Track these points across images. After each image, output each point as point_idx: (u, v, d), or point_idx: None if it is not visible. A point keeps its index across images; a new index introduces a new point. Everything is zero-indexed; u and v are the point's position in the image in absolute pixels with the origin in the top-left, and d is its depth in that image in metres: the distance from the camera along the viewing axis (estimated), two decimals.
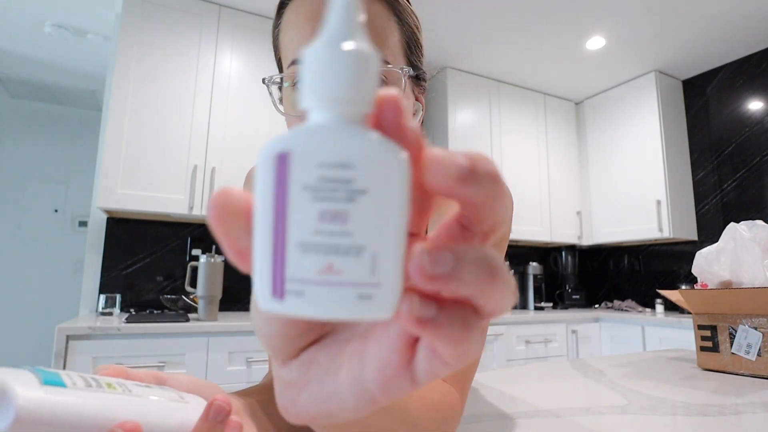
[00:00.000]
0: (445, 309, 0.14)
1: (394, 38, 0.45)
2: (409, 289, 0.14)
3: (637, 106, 3.09)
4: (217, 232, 0.15)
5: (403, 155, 0.14)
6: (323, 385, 0.18)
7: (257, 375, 1.86)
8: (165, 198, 2.08)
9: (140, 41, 2.13)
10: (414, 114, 0.51)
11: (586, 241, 3.31)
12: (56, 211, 3.74)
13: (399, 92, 0.15)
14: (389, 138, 0.14)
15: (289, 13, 0.46)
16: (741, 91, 2.85)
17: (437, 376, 0.16)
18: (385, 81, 0.44)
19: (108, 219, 2.27)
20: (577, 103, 3.54)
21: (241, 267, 0.16)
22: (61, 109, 3.85)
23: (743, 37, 2.67)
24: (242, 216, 0.14)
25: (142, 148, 2.07)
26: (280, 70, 0.50)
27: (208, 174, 2.18)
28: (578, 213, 3.34)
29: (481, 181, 0.14)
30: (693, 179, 3.04)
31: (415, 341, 0.16)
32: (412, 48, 0.48)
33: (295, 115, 0.45)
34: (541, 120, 3.32)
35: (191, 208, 2.12)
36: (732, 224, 0.91)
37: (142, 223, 2.33)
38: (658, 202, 2.87)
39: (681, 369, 0.92)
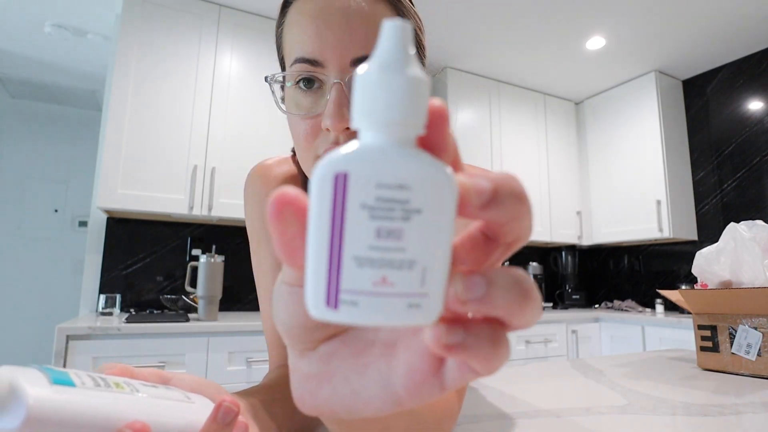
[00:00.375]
0: (473, 330, 0.15)
1: None
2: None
3: (637, 106, 3.09)
4: (275, 229, 0.15)
5: (453, 177, 0.15)
6: (348, 382, 0.18)
7: (257, 375, 1.86)
8: (165, 198, 2.08)
9: (140, 41, 2.13)
10: None
11: (586, 241, 3.31)
12: (56, 211, 3.74)
13: (445, 104, 0.15)
14: (434, 151, 0.15)
15: (293, 12, 0.46)
16: (741, 91, 2.85)
17: (466, 383, 0.16)
18: None
19: (108, 219, 2.27)
20: (577, 103, 3.54)
21: (289, 263, 0.16)
22: (61, 109, 3.85)
23: (743, 37, 2.67)
24: (300, 219, 0.15)
25: (142, 148, 2.07)
26: (283, 68, 0.50)
27: (208, 174, 2.18)
28: (578, 213, 3.34)
29: (503, 204, 0.15)
30: (693, 179, 3.04)
31: None
32: (415, 49, 0.49)
33: (296, 114, 0.45)
34: (541, 120, 3.32)
35: (191, 208, 2.12)
36: (732, 224, 0.91)
37: (142, 223, 2.33)
38: (658, 202, 2.87)
39: (681, 369, 0.92)
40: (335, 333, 0.19)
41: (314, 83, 0.44)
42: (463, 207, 0.15)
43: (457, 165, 0.16)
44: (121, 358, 1.66)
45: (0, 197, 3.58)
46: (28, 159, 3.70)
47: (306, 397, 0.19)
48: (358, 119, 0.15)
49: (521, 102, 3.26)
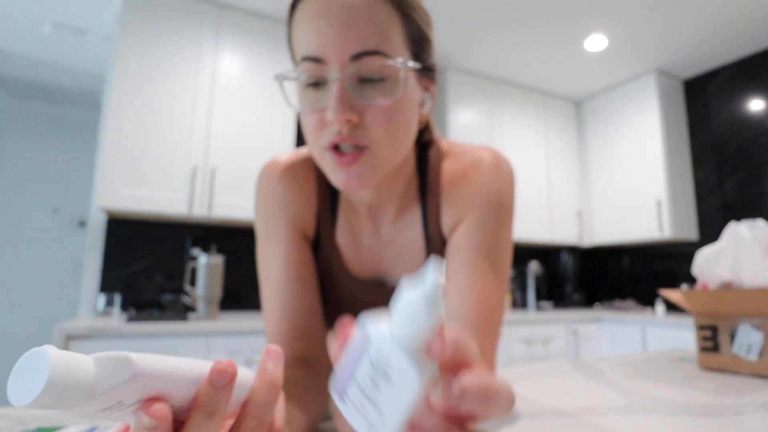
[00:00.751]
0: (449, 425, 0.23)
1: (397, 33, 0.47)
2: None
3: (637, 105, 3.09)
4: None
5: (418, 384, 0.22)
6: None
7: None
8: (165, 198, 2.08)
9: (140, 41, 2.13)
10: (422, 105, 0.52)
11: (587, 241, 3.31)
12: (56, 211, 3.74)
13: (443, 344, 0.22)
14: (432, 358, 0.23)
15: (299, 12, 0.48)
16: (742, 90, 2.85)
17: None
18: (386, 74, 0.46)
19: (108, 219, 2.27)
20: (577, 103, 3.53)
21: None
22: (61, 109, 3.85)
23: (744, 37, 2.67)
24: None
25: (142, 149, 2.07)
26: (294, 61, 0.52)
27: (208, 174, 2.18)
28: (578, 213, 3.33)
29: (465, 403, 0.22)
30: (693, 179, 3.04)
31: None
32: (418, 42, 0.50)
33: (304, 109, 0.48)
34: (541, 120, 3.32)
35: (191, 208, 2.12)
36: (732, 224, 0.91)
37: (142, 223, 2.33)
38: (659, 202, 2.87)
39: (681, 369, 0.92)
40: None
41: (319, 79, 0.46)
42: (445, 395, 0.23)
43: (463, 366, 0.23)
44: None
45: (0, 197, 3.58)
46: (28, 159, 3.70)
47: None
48: (394, 312, 0.23)
49: (521, 102, 3.25)
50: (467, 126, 2.99)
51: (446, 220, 0.57)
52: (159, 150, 2.10)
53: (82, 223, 3.73)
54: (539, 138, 3.28)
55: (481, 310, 0.50)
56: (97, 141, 3.37)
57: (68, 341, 1.59)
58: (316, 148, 0.48)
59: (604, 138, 3.30)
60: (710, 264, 0.91)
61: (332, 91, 0.44)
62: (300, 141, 2.72)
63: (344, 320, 0.24)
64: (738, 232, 0.89)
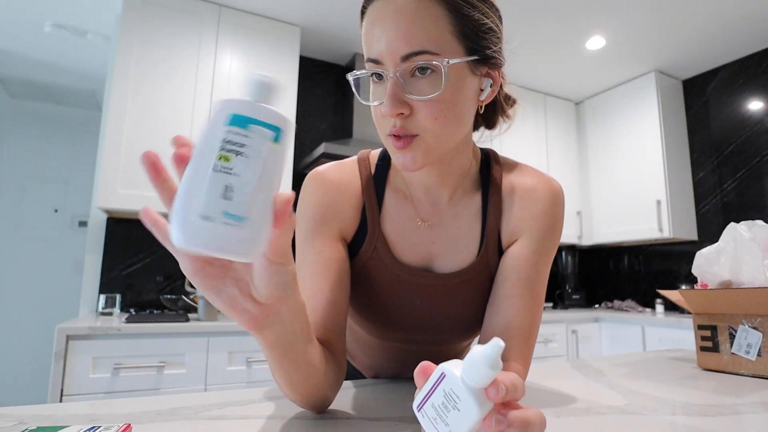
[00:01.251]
0: None
1: (446, 30, 0.51)
2: None
3: (637, 106, 3.09)
4: None
5: (477, 416, 0.30)
6: None
7: (257, 375, 1.86)
8: None
9: (140, 41, 2.13)
10: (482, 90, 0.58)
11: (587, 241, 3.31)
12: (56, 211, 3.74)
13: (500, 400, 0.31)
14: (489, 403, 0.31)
15: (366, 18, 0.54)
16: (741, 91, 2.85)
17: None
18: (434, 70, 0.51)
19: (108, 219, 2.27)
20: (577, 103, 3.54)
21: None
22: (61, 109, 3.85)
23: (743, 37, 2.67)
24: None
25: (142, 148, 2.07)
26: None
27: None
28: (578, 213, 3.34)
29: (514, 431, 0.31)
30: (693, 179, 3.04)
31: None
32: (474, 34, 0.53)
33: (369, 103, 0.55)
34: (541, 120, 3.32)
35: None
36: (732, 224, 0.91)
37: (142, 223, 2.32)
38: (658, 202, 2.87)
39: (681, 369, 0.92)
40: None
41: (381, 78, 0.53)
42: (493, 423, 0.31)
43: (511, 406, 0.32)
44: (121, 358, 1.66)
45: (0, 197, 3.58)
46: (28, 159, 3.70)
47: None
48: (465, 366, 0.31)
49: (521, 102, 3.24)
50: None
51: (506, 225, 0.64)
52: (159, 150, 2.08)
53: (83, 223, 3.73)
54: (539, 138, 3.28)
55: (529, 325, 0.60)
56: (97, 141, 3.37)
57: (68, 341, 1.59)
58: (381, 135, 0.56)
59: (603, 138, 3.30)
60: (710, 264, 0.91)
61: (387, 89, 0.51)
62: (298, 140, 2.72)
63: (425, 364, 0.34)
64: (737, 232, 0.89)
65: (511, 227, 0.63)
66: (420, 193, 0.64)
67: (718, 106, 2.97)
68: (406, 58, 0.50)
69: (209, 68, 2.25)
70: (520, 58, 2.92)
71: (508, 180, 0.66)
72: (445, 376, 0.31)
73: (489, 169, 0.67)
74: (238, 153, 0.27)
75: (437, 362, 0.33)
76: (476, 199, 0.65)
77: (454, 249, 0.64)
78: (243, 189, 0.28)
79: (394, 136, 0.53)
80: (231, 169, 0.27)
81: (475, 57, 0.53)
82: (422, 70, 0.50)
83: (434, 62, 0.50)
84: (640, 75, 3.09)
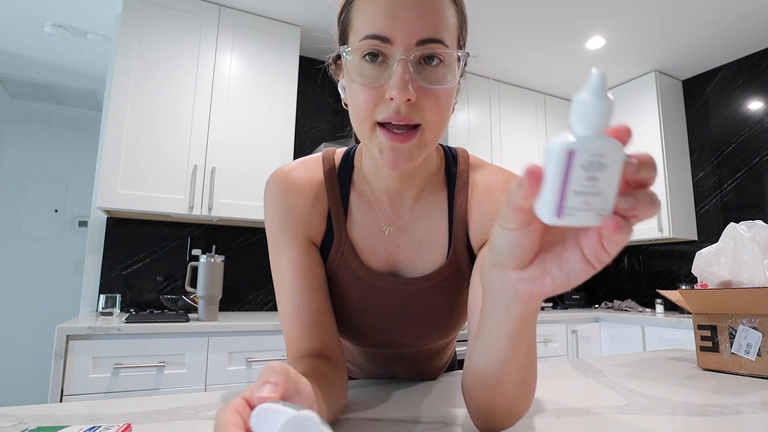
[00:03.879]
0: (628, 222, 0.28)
1: (452, 22, 0.51)
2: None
3: (637, 106, 3.09)
4: (530, 181, 0.28)
5: (623, 149, 0.27)
6: (561, 270, 0.31)
7: (257, 375, 1.86)
8: (165, 198, 2.08)
9: (140, 41, 2.13)
10: (457, 93, 0.56)
11: None
12: (56, 211, 3.74)
13: (627, 125, 0.27)
14: (615, 136, 0.27)
15: None
16: (741, 91, 2.85)
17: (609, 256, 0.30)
18: (442, 61, 0.49)
19: (108, 219, 2.27)
20: None
21: (530, 195, 0.28)
22: (61, 109, 3.85)
23: (743, 37, 2.67)
24: (539, 178, 0.28)
25: (142, 148, 2.07)
26: (342, 42, 0.54)
27: (208, 174, 2.18)
28: None
29: (644, 170, 0.27)
30: (693, 179, 3.04)
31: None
32: (463, 34, 0.54)
33: (360, 83, 0.49)
34: (541, 120, 3.32)
35: (191, 208, 2.12)
36: (732, 224, 0.91)
37: (142, 223, 2.33)
38: None
39: (681, 369, 0.92)
40: (537, 254, 0.32)
41: (379, 57, 0.49)
42: (625, 168, 0.27)
43: (625, 141, 0.28)
44: (121, 358, 1.66)
45: (0, 197, 3.58)
46: (28, 159, 3.70)
47: (534, 290, 0.32)
48: (575, 122, 0.27)
49: (521, 102, 3.26)
50: (467, 126, 2.99)
51: (474, 226, 0.61)
52: (159, 150, 2.10)
53: (83, 223, 3.73)
54: (539, 138, 3.28)
55: None
56: (97, 141, 3.37)
57: (68, 341, 1.59)
58: (367, 124, 0.50)
59: None
60: (709, 264, 0.92)
61: (396, 70, 0.47)
62: (298, 140, 2.72)
63: (529, 165, 0.28)
64: (737, 232, 0.89)
65: (480, 228, 0.60)
66: (383, 197, 0.62)
67: (717, 106, 2.97)
68: (422, 43, 0.47)
69: (209, 68, 2.25)
70: (520, 58, 2.93)
71: (474, 180, 0.63)
72: (574, 151, 0.26)
73: (455, 167, 0.64)
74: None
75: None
76: (442, 201, 0.62)
77: (420, 253, 0.62)
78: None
79: (388, 129, 0.49)
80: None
81: (466, 56, 0.53)
82: (430, 59, 0.48)
83: (448, 53, 0.49)
84: (640, 75, 3.09)
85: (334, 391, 0.50)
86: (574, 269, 0.30)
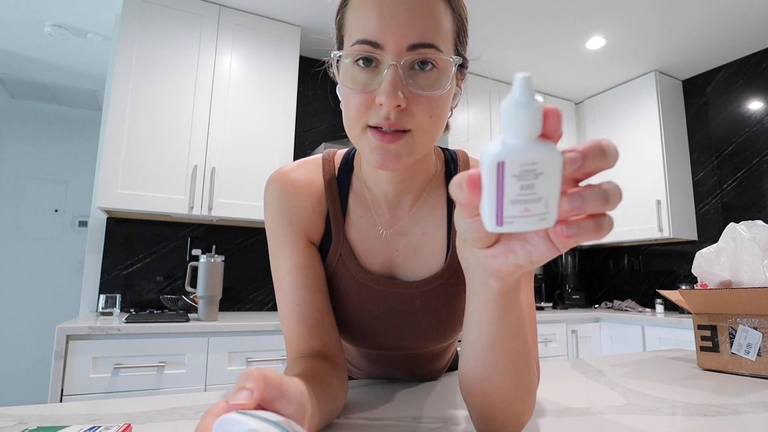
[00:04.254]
0: (581, 224, 0.27)
1: (447, 26, 0.50)
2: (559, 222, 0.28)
3: (637, 106, 3.09)
4: (470, 191, 0.28)
5: (559, 153, 0.26)
6: (524, 248, 0.31)
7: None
8: (165, 198, 2.08)
9: (140, 41, 2.13)
10: (454, 97, 0.55)
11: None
12: (56, 211, 3.74)
13: (557, 108, 0.26)
14: (550, 139, 0.26)
15: None
16: (741, 91, 2.85)
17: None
18: (435, 66, 0.48)
19: (108, 219, 2.27)
20: (577, 103, 3.54)
21: (471, 203, 0.29)
22: (61, 109, 3.85)
23: (743, 37, 2.67)
24: (478, 186, 0.27)
25: (142, 148, 2.07)
26: (339, 45, 0.55)
27: (208, 174, 2.18)
28: None
29: (587, 165, 0.26)
30: (693, 179, 3.04)
31: None
32: (460, 38, 0.53)
33: (351, 88, 0.49)
34: None
35: (191, 208, 2.12)
36: (732, 224, 0.91)
37: (142, 223, 2.33)
38: (658, 202, 2.87)
39: (681, 369, 0.92)
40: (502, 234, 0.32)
41: (371, 62, 0.49)
42: (566, 167, 0.26)
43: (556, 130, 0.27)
44: (121, 358, 1.66)
45: (0, 197, 3.58)
46: (28, 159, 3.70)
47: (502, 266, 0.32)
48: (505, 130, 0.26)
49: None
50: (467, 126, 2.99)
51: None
52: (159, 150, 2.10)
53: (83, 223, 3.73)
54: None
55: (527, 312, 0.57)
56: (97, 141, 3.38)
57: (68, 341, 1.59)
58: (358, 127, 0.50)
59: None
60: (709, 264, 0.92)
61: (386, 76, 0.46)
62: (298, 140, 2.72)
63: (467, 172, 0.28)
64: (737, 232, 0.89)
65: None
66: (381, 200, 0.62)
67: (717, 106, 2.97)
68: (413, 48, 0.47)
69: (209, 68, 2.26)
70: (520, 58, 2.93)
71: None
72: (503, 162, 0.26)
73: (455, 171, 0.64)
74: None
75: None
76: (441, 205, 0.62)
77: (418, 256, 0.62)
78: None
79: (378, 130, 0.49)
80: None
81: (461, 61, 0.52)
82: (423, 64, 0.48)
83: (443, 58, 0.48)
84: (640, 75, 3.09)
85: (332, 391, 0.50)
86: (537, 248, 0.30)
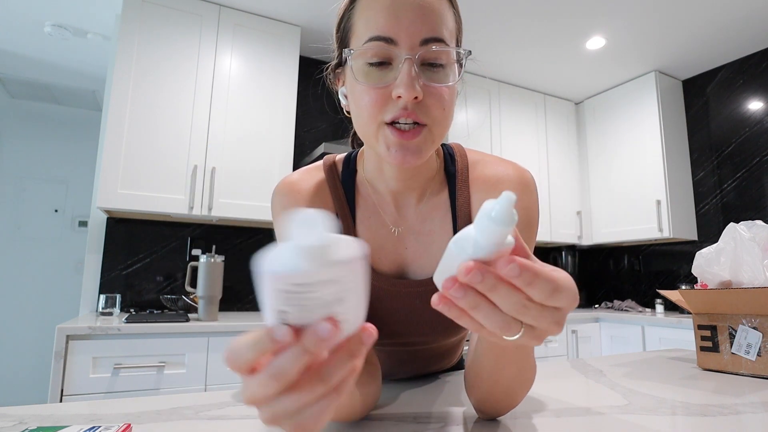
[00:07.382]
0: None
1: (451, 23, 0.52)
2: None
3: (637, 106, 3.09)
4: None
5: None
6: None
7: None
8: (165, 198, 2.08)
9: (140, 41, 2.13)
10: (456, 95, 0.57)
11: (586, 241, 3.31)
12: (56, 211, 3.74)
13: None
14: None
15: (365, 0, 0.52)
16: (741, 91, 2.85)
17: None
18: (445, 60, 0.50)
19: (108, 219, 2.27)
20: (577, 103, 3.54)
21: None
22: (61, 109, 3.85)
23: (743, 37, 2.67)
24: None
25: (142, 148, 2.07)
26: (341, 46, 0.56)
27: (208, 174, 2.18)
28: (578, 213, 3.34)
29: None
30: (693, 179, 3.04)
31: None
32: (459, 36, 0.55)
33: (366, 84, 0.50)
34: (541, 120, 3.32)
35: (191, 208, 2.12)
36: (732, 224, 0.91)
37: (142, 223, 2.33)
38: (658, 202, 2.87)
39: (681, 369, 0.92)
40: None
41: (384, 58, 0.50)
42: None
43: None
44: (121, 358, 1.66)
45: (0, 197, 3.58)
46: (28, 159, 3.70)
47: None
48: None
49: (521, 102, 3.26)
50: (467, 126, 2.99)
51: None
52: (159, 150, 2.10)
53: (83, 223, 3.73)
54: (539, 138, 3.28)
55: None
56: (97, 141, 3.38)
57: (68, 341, 1.59)
58: (374, 124, 0.51)
59: (603, 138, 3.30)
60: (709, 264, 0.92)
61: (403, 70, 0.48)
62: (298, 140, 2.72)
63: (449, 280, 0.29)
64: (737, 232, 0.89)
65: None
66: (387, 199, 0.62)
67: (717, 106, 2.97)
68: (425, 42, 0.49)
69: (209, 68, 2.25)
70: (520, 58, 2.93)
71: (475, 174, 0.63)
72: (470, 257, 0.29)
73: (454, 166, 0.64)
74: None
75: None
76: (444, 199, 0.63)
77: (427, 253, 0.62)
78: None
79: (395, 127, 0.50)
80: None
81: (469, 53, 0.54)
82: (434, 58, 0.50)
83: (451, 52, 0.50)
84: (640, 75, 3.09)
85: (368, 388, 0.52)
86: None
